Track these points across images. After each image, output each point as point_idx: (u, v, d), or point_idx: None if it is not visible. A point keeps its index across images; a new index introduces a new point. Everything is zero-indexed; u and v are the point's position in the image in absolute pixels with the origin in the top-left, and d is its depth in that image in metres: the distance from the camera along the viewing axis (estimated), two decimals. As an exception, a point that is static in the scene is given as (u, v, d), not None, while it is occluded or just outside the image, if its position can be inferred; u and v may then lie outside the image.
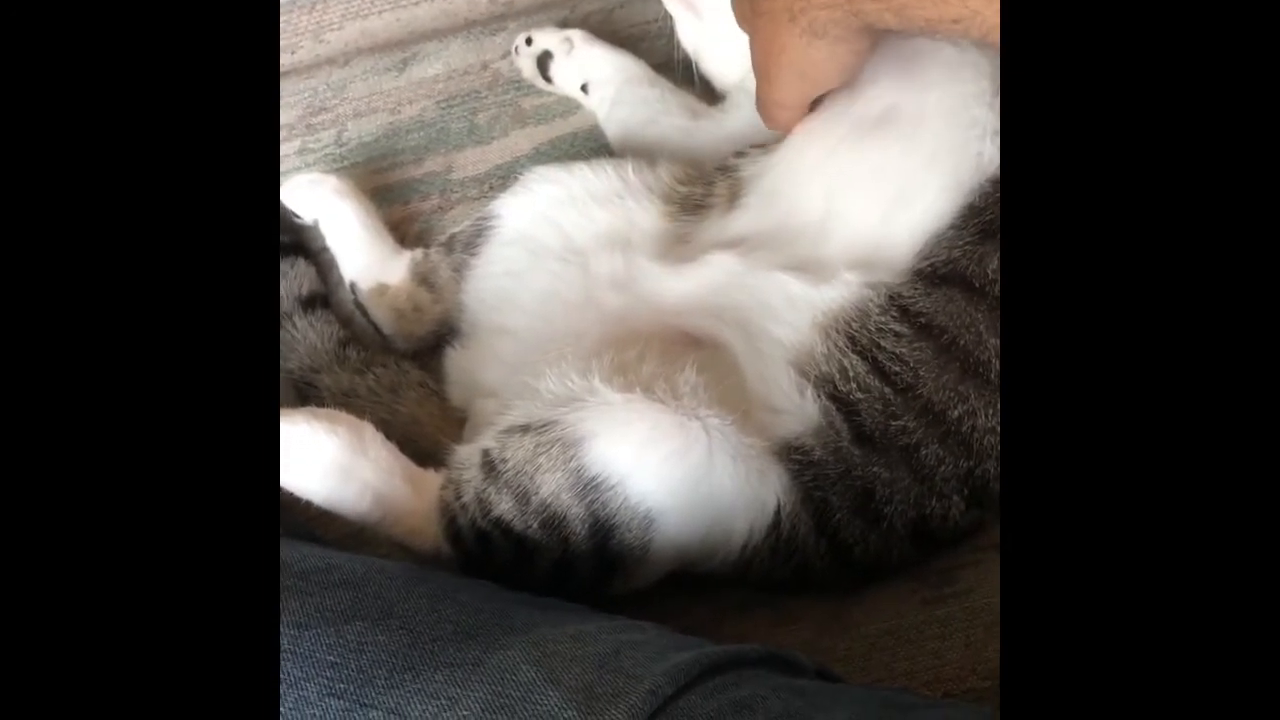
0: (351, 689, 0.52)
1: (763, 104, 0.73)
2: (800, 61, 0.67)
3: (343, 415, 0.69)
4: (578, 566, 0.64)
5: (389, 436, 0.79)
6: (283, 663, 0.54)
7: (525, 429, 0.64)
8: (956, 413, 0.65)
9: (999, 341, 0.65)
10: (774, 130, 0.75)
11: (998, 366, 0.65)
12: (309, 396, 0.83)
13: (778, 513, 0.65)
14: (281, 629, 0.56)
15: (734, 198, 0.74)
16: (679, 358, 0.67)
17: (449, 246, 0.84)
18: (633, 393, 0.63)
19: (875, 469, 0.65)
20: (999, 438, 0.65)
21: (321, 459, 0.67)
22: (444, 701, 0.51)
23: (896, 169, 0.68)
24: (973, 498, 0.66)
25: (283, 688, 0.53)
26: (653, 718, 0.50)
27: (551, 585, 0.64)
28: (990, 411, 0.65)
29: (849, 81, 0.70)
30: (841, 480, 0.65)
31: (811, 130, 0.72)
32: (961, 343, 0.65)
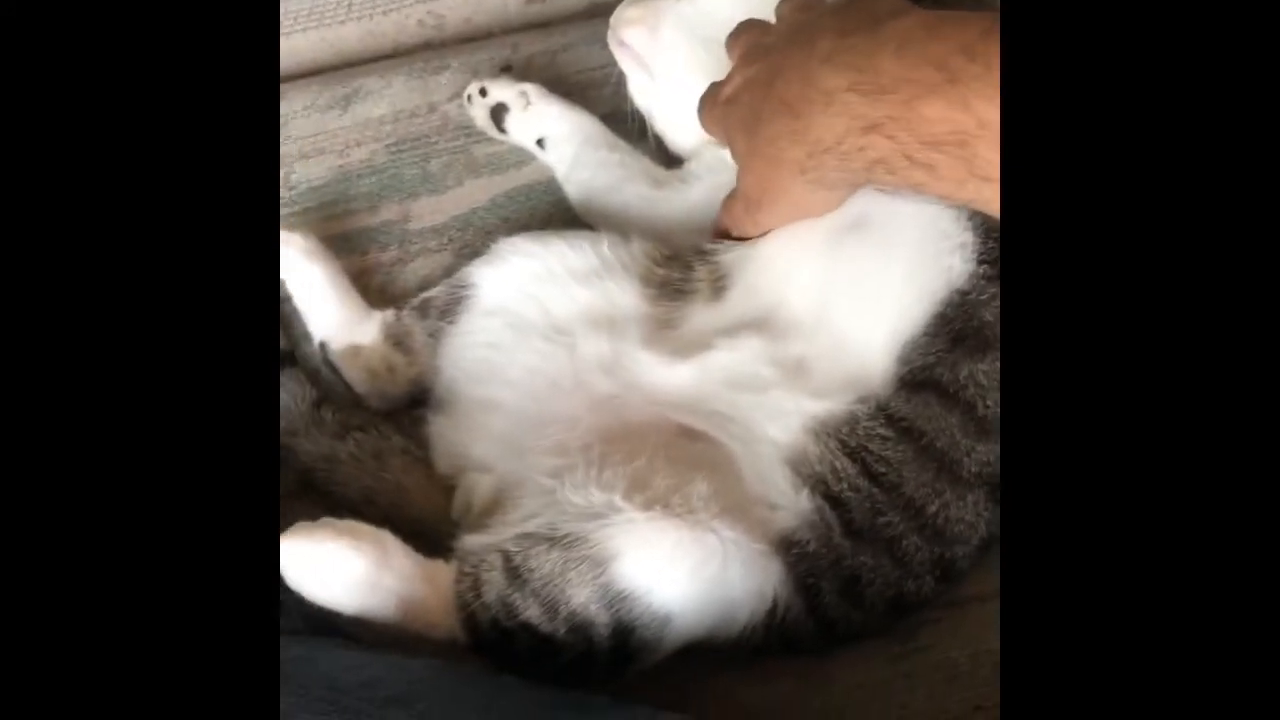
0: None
1: (743, 222, 0.79)
2: (799, 203, 0.74)
3: (363, 528, 0.72)
4: (597, 659, 0.69)
5: (375, 504, 0.83)
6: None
7: (550, 541, 0.69)
8: (934, 507, 0.72)
9: (970, 441, 0.72)
10: (742, 237, 0.80)
11: (968, 464, 0.72)
12: (286, 461, 0.84)
13: (775, 601, 0.71)
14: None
15: (717, 287, 0.79)
16: (684, 462, 0.72)
17: (423, 311, 0.86)
18: (653, 509, 0.68)
19: (862, 558, 0.72)
20: (966, 526, 0.73)
21: (350, 576, 0.70)
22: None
23: (874, 278, 0.74)
24: (943, 577, 0.74)
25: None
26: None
27: (569, 675, 0.69)
28: (960, 504, 0.73)
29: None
30: (832, 569, 0.72)
31: (791, 232, 0.77)
32: (938, 444, 0.72)
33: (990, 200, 0.61)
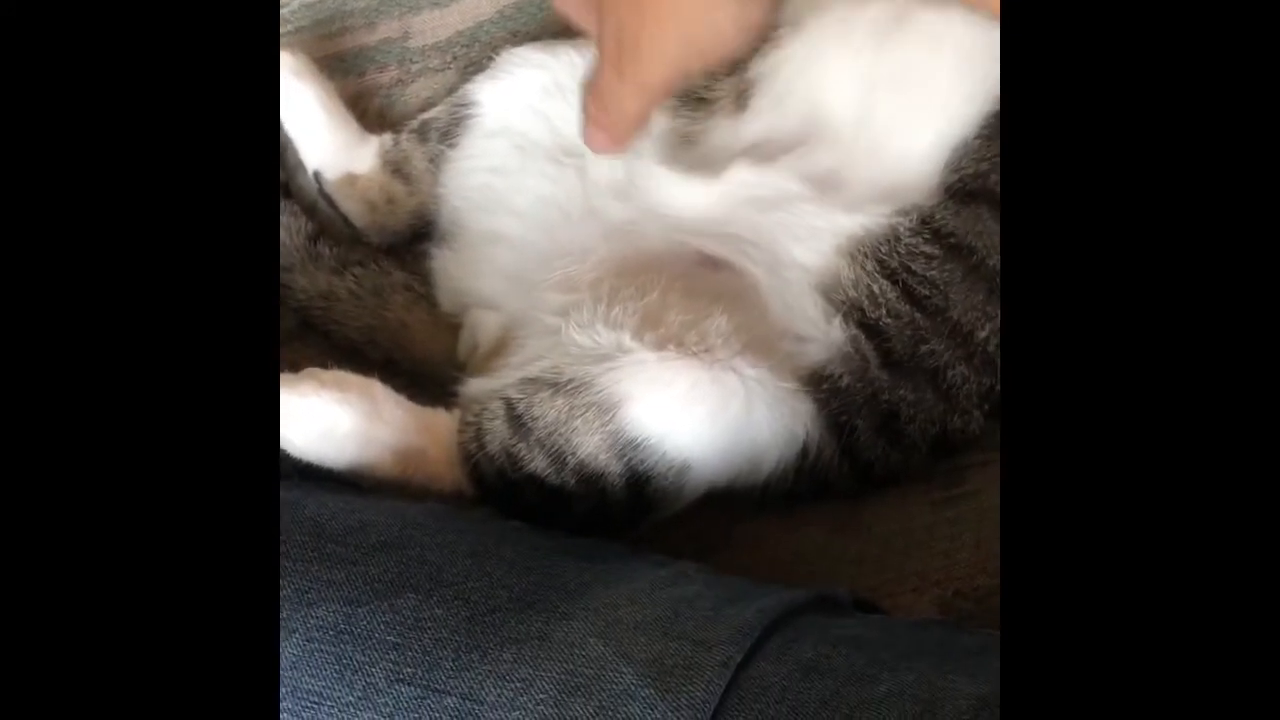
0: (420, 673, 0.52)
1: (617, 95, 0.61)
2: (693, 24, 0.57)
3: (350, 378, 0.66)
4: (611, 510, 0.64)
5: (376, 344, 0.77)
6: (342, 645, 0.53)
7: (554, 387, 0.62)
8: (984, 333, 0.65)
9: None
10: (598, 147, 0.65)
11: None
12: (283, 299, 0.79)
13: (805, 443, 0.65)
14: (334, 605, 0.55)
15: (741, 97, 0.70)
16: (704, 295, 0.65)
17: (422, 134, 0.79)
18: (665, 348, 0.61)
19: (901, 392, 0.65)
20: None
21: (338, 430, 0.64)
22: (518, 684, 0.51)
23: (921, 75, 0.66)
24: (993, 412, 0.67)
25: (347, 673, 0.53)
26: (728, 691, 0.50)
27: (584, 526, 0.64)
28: (1014, 330, 0.65)
29: (741, 54, 0.62)
30: (867, 405, 0.65)
31: (825, 30, 0.68)
32: (990, 262, 0.64)
33: None
